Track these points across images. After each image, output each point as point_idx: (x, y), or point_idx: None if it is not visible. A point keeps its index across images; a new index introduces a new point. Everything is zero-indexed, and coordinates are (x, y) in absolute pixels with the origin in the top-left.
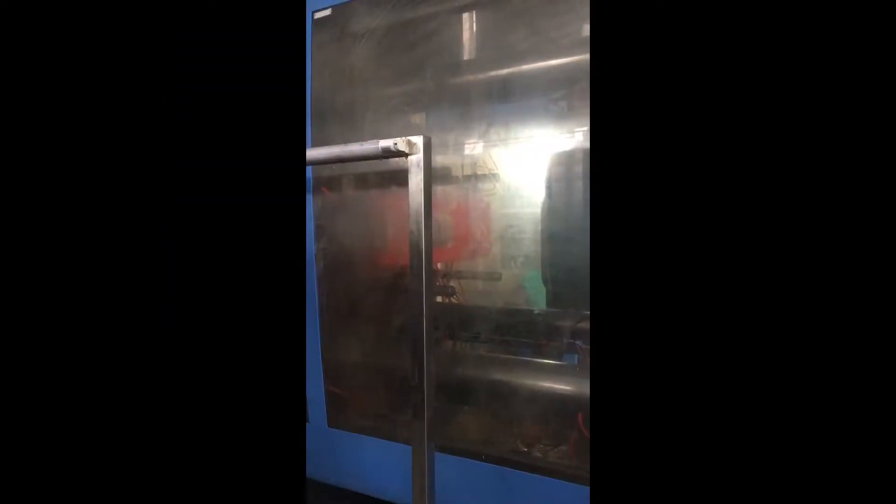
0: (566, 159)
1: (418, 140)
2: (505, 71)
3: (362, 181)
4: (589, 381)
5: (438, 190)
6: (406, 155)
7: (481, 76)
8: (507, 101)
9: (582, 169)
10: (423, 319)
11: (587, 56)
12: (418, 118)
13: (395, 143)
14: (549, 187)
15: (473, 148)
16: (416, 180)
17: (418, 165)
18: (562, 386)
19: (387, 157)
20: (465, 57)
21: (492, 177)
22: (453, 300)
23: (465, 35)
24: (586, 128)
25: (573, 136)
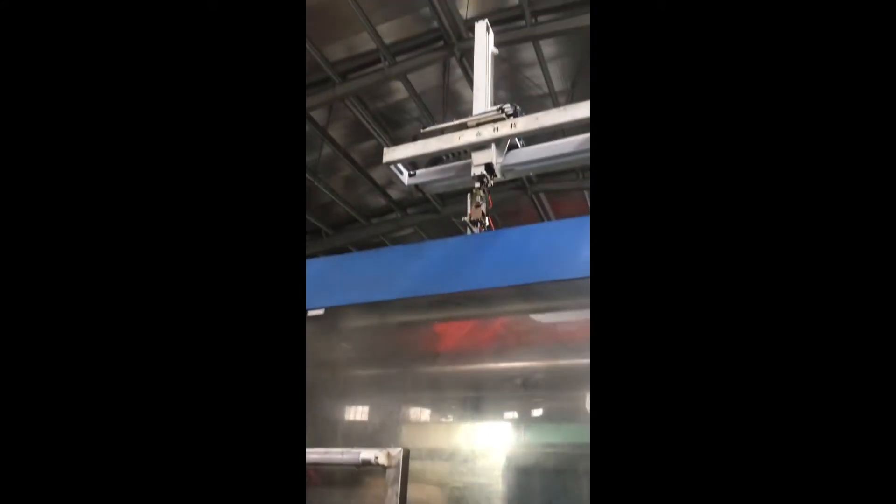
0: (524, 452)
1: (397, 453)
2: (474, 366)
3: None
4: None
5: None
6: (385, 468)
7: (450, 369)
8: (476, 390)
9: (535, 461)
10: None
11: (543, 363)
12: (393, 403)
13: (377, 457)
14: (516, 478)
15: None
16: (391, 492)
17: (396, 478)
18: None
19: (366, 468)
20: (440, 352)
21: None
22: None
23: (441, 336)
24: (540, 411)
25: (531, 427)
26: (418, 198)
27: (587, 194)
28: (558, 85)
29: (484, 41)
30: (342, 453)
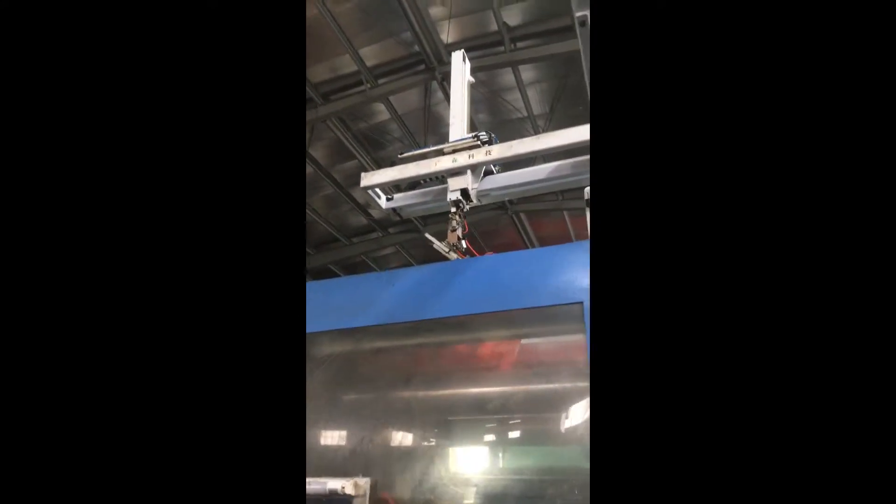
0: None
1: (365, 483)
2: (446, 392)
3: None
4: None
5: None
6: (352, 498)
7: (421, 394)
8: (448, 414)
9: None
10: None
11: (515, 387)
12: (365, 433)
13: (343, 487)
14: None
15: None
16: None
17: None
18: None
19: (333, 499)
20: (411, 380)
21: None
22: None
23: (412, 363)
24: (509, 443)
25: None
26: (399, 218)
27: (567, 214)
28: (537, 109)
29: (461, 70)
30: (309, 483)
